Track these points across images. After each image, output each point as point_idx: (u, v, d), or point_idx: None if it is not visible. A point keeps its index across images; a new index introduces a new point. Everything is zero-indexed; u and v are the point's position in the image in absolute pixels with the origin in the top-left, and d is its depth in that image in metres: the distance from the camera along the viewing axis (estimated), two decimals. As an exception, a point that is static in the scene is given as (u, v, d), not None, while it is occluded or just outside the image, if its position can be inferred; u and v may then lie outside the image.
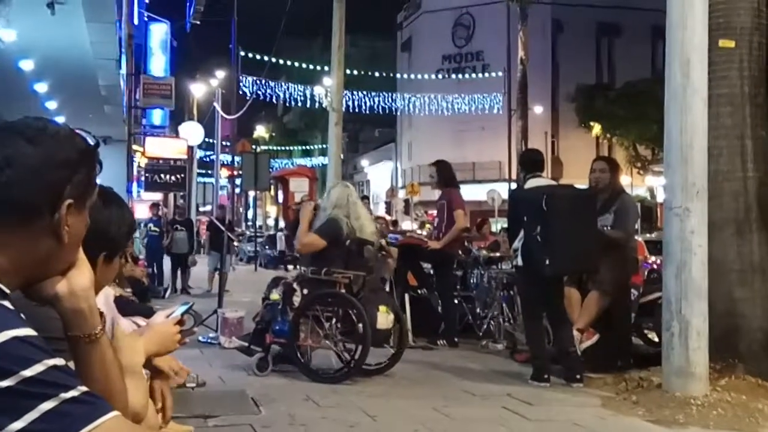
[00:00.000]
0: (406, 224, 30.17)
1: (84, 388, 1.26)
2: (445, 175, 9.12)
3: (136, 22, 24.06)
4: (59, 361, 1.27)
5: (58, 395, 1.21)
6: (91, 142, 1.43)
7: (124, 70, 17.61)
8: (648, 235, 19.90)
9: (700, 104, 5.80)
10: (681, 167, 5.78)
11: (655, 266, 13.85)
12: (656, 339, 7.36)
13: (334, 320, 6.49)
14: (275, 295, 6.71)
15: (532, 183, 6.94)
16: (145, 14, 28.23)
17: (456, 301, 9.10)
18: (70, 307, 1.44)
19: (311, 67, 35.60)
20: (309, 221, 6.91)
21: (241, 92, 33.52)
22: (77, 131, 1.43)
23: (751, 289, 6.32)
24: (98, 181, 1.48)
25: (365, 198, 19.99)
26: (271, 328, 6.63)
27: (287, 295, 6.66)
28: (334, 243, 6.72)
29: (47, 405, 1.20)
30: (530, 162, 7.41)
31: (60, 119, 16.58)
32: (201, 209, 37.75)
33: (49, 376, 1.22)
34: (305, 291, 6.63)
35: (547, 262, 6.26)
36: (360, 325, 6.36)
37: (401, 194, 43.66)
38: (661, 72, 6.17)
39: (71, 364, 1.42)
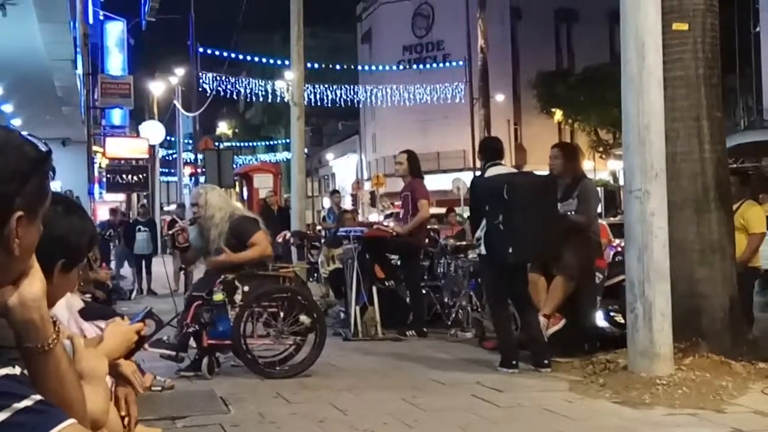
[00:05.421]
0: (373, 216, 30.13)
1: (38, 397, 1.24)
2: (413, 165, 9.13)
3: (91, 21, 23.71)
4: (12, 371, 1.25)
5: (11, 405, 1.19)
6: (43, 148, 1.38)
7: (80, 71, 17.34)
8: (612, 218, 20.09)
9: (655, 87, 5.86)
10: (639, 150, 5.84)
11: (619, 248, 13.97)
12: (622, 321, 7.44)
13: (281, 315, 6.41)
14: (219, 296, 6.37)
15: (492, 171, 6.97)
16: (101, 13, 27.87)
17: (424, 292, 9.13)
18: (21, 318, 1.40)
19: (272, 61, 35.36)
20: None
21: (201, 89, 33.17)
22: (28, 138, 1.39)
23: (711, 268, 6.41)
24: (59, 184, 1.45)
25: (336, 192, 19.94)
26: (208, 330, 6.35)
27: (229, 293, 6.42)
28: None
29: (0, 416, 1.18)
30: (490, 150, 7.45)
31: (16, 122, 16.41)
32: (165, 208, 37.40)
33: (1, 386, 1.20)
34: (246, 288, 6.45)
35: (510, 250, 6.29)
36: (314, 315, 6.44)
37: (367, 186, 43.67)
38: (619, 56, 6.22)
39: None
